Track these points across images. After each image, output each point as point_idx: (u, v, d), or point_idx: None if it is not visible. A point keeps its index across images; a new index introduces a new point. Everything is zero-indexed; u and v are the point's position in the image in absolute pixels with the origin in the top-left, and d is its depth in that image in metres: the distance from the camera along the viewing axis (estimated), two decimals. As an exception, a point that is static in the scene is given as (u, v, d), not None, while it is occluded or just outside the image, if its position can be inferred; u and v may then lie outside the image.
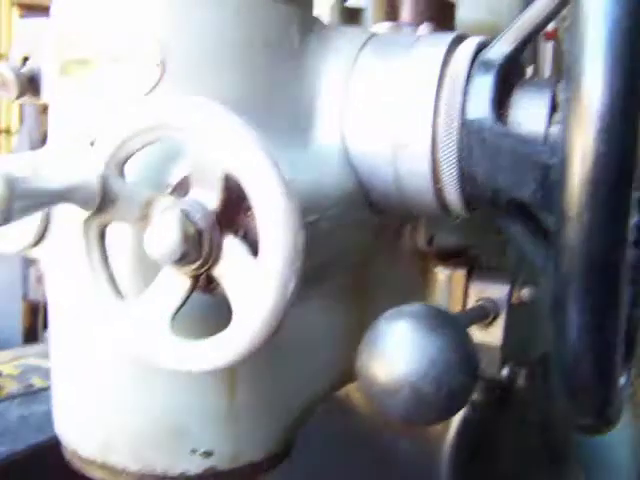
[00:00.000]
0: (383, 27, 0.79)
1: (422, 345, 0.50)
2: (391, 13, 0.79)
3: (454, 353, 0.50)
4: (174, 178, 0.52)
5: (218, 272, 0.50)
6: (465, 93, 0.59)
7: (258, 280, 0.48)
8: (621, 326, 0.48)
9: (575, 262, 0.46)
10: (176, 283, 0.50)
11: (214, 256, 0.50)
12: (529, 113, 0.60)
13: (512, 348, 0.83)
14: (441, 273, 0.83)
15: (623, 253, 0.45)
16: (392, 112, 0.61)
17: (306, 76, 0.61)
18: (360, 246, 0.70)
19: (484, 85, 0.59)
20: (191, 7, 0.56)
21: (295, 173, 0.57)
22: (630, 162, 0.43)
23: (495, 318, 0.82)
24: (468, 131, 0.59)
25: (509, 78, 0.61)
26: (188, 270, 0.50)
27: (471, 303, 0.82)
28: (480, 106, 0.59)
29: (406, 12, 0.77)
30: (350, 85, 0.62)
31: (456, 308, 0.82)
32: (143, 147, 0.50)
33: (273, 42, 0.58)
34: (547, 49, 1.00)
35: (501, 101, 0.60)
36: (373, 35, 0.65)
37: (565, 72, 0.45)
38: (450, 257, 0.82)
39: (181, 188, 0.51)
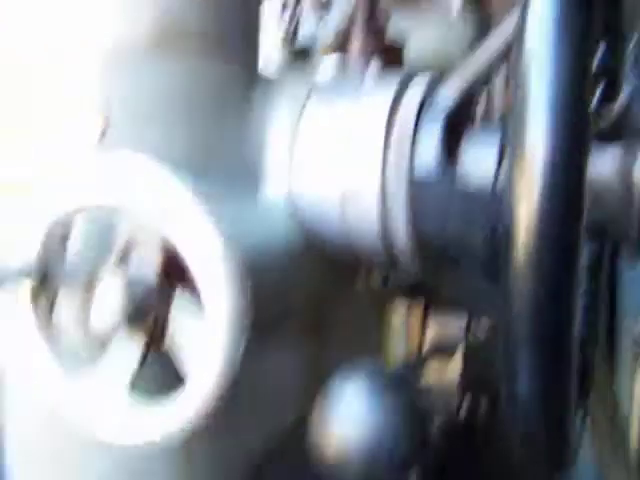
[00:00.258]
0: (330, 60, 0.78)
1: (372, 415, 0.49)
2: (339, 46, 0.78)
3: (404, 422, 0.49)
4: (117, 243, 0.51)
5: (169, 332, 0.50)
6: (414, 141, 0.59)
7: (205, 342, 0.48)
8: (572, 373, 0.48)
9: (523, 327, 0.45)
10: (130, 348, 0.50)
11: (162, 318, 0.49)
12: (478, 161, 0.59)
13: (472, 381, 0.83)
14: (398, 309, 0.82)
15: (572, 314, 0.45)
16: (340, 161, 0.60)
17: (252, 131, 0.60)
18: (311, 292, 0.69)
19: (432, 133, 0.59)
20: (134, 65, 0.55)
21: (241, 228, 0.56)
22: (574, 219, 0.43)
23: (453, 353, 0.81)
24: (417, 181, 0.58)
25: (459, 122, 0.60)
26: (140, 333, 0.49)
27: (429, 338, 0.81)
28: (429, 155, 0.58)
29: (355, 45, 0.76)
30: (297, 136, 0.61)
31: (414, 344, 0.82)
32: (82, 218, 0.49)
33: (217, 100, 0.57)
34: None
35: (451, 147, 0.59)
36: (319, 82, 0.64)
37: (508, 123, 0.45)
38: (406, 293, 0.81)
39: (123, 253, 0.50)
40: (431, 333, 0.81)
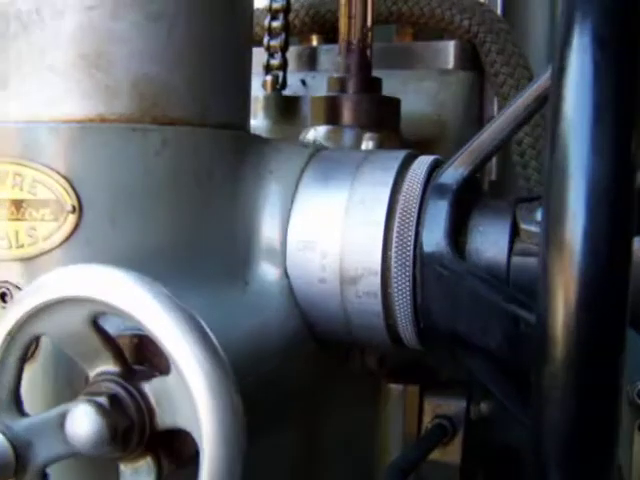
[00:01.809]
0: (322, 131, 0.73)
1: None
2: (331, 115, 0.73)
3: None
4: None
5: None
6: (418, 222, 0.54)
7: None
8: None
9: (556, 442, 0.40)
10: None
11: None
12: (488, 240, 0.54)
13: (474, 463, 0.78)
14: (394, 389, 0.76)
15: (612, 431, 0.40)
16: (338, 245, 0.55)
17: (242, 209, 0.55)
18: (306, 376, 0.63)
19: (439, 213, 0.54)
20: (104, 143, 0.49)
21: (232, 319, 0.51)
22: (616, 335, 0.38)
23: (453, 436, 0.76)
24: (423, 264, 0.53)
25: (466, 200, 0.56)
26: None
27: (427, 419, 0.76)
28: (435, 236, 0.53)
29: (347, 114, 0.72)
30: (292, 215, 0.56)
31: (411, 425, 0.76)
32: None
33: (203, 176, 0.52)
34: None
35: (458, 227, 0.54)
36: (315, 153, 0.59)
37: (543, 228, 0.40)
38: (403, 373, 0.76)
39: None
40: (429, 415, 0.76)
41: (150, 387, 0.43)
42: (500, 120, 0.54)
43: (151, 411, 0.44)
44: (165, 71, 0.50)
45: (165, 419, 0.43)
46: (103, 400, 0.42)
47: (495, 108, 0.95)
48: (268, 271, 0.56)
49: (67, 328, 0.43)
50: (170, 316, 0.41)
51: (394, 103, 0.74)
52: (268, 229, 0.56)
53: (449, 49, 0.89)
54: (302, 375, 0.62)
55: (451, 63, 0.89)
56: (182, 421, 0.42)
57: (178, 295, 0.48)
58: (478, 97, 0.92)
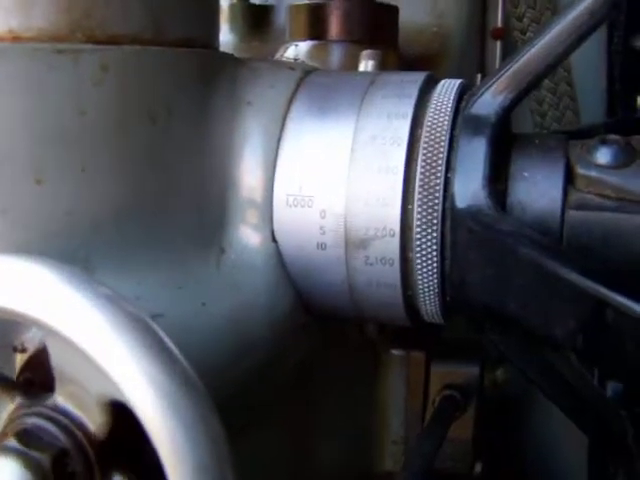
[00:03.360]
0: (305, 47, 0.59)
1: None
2: (315, 27, 0.59)
3: None
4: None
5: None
6: (448, 167, 0.41)
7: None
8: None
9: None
10: None
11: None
12: (536, 190, 0.42)
13: (488, 437, 0.67)
14: (396, 356, 0.65)
15: None
16: (342, 198, 0.42)
17: (213, 154, 0.41)
18: (299, 353, 0.51)
19: (475, 153, 0.41)
20: (18, 71, 0.36)
21: (206, 301, 0.38)
22: None
23: (465, 408, 0.64)
24: (454, 222, 0.41)
25: (505, 138, 0.43)
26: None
27: (434, 392, 0.64)
28: (471, 184, 0.41)
29: (336, 26, 0.58)
30: (279, 161, 0.42)
31: (416, 398, 0.65)
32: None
33: (159, 112, 0.38)
34: (496, 51, 0.82)
35: (498, 172, 0.42)
36: (304, 78, 0.45)
37: None
38: (406, 337, 0.64)
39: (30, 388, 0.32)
40: (436, 386, 0.64)
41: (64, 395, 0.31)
42: (554, 31, 0.40)
43: (81, 423, 0.31)
44: (101, -34, 0.36)
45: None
46: (13, 443, 0.29)
47: (499, 18, 0.81)
48: (250, 235, 0.42)
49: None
50: (107, 325, 0.28)
51: (392, 12, 0.60)
52: (248, 180, 0.42)
53: (449, -54, 0.74)
54: (294, 354, 0.49)
55: (451, -36, 0.74)
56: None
57: (131, 276, 0.35)
58: (481, 4, 0.79)
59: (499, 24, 0.81)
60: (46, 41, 0.35)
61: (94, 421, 0.32)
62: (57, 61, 0.35)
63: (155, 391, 0.27)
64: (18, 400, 0.34)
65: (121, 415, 0.31)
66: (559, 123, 0.71)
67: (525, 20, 0.75)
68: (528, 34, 0.76)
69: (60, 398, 0.33)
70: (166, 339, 0.30)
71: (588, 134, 0.44)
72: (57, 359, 0.32)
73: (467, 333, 0.65)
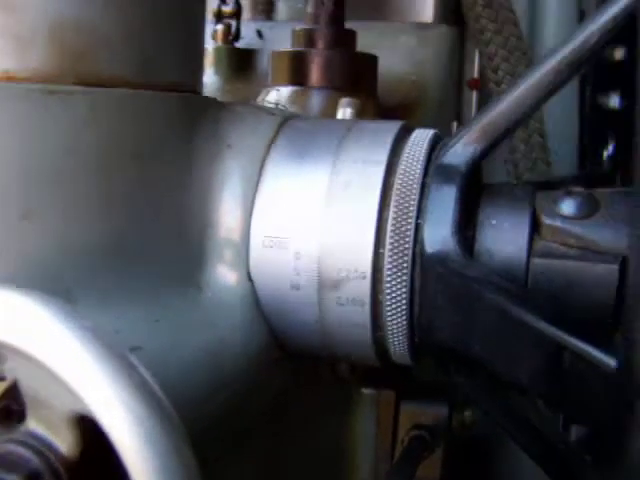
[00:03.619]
0: (286, 92, 0.61)
1: None
2: (297, 73, 0.61)
3: None
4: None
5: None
6: (419, 213, 0.43)
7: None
8: None
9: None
10: None
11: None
12: (503, 237, 0.43)
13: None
14: (366, 395, 0.66)
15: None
16: (317, 241, 0.43)
17: (194, 195, 0.43)
18: (271, 390, 0.52)
19: (445, 201, 0.43)
20: (12, 110, 0.37)
21: (183, 337, 0.39)
22: None
23: (433, 448, 0.66)
24: (424, 266, 0.42)
25: (474, 187, 0.45)
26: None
27: (403, 431, 0.66)
28: (441, 231, 0.42)
29: (316, 73, 0.60)
30: (256, 202, 0.44)
31: (385, 437, 0.66)
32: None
33: (144, 153, 0.40)
34: (471, 101, 0.85)
35: (466, 220, 0.44)
36: (284, 123, 0.47)
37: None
38: (378, 374, 0.65)
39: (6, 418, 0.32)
40: (405, 426, 0.65)
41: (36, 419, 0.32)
42: (523, 87, 0.42)
43: (51, 445, 0.32)
44: (93, 14, 0.38)
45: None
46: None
47: (476, 69, 0.84)
48: (226, 274, 0.44)
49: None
50: (87, 355, 0.29)
51: (371, 61, 0.62)
52: (226, 220, 0.44)
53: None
54: (267, 389, 0.50)
55: (430, 15, 0.77)
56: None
57: (111, 310, 0.36)
58: (458, 56, 0.82)
59: (475, 75, 0.84)
60: (39, 82, 0.37)
61: (65, 442, 0.33)
62: (50, 101, 0.37)
63: (132, 420, 0.28)
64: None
65: (92, 435, 0.32)
66: (531, 172, 0.73)
67: (500, 72, 0.78)
68: (503, 85, 0.79)
69: (32, 422, 0.34)
70: (143, 371, 0.31)
71: (555, 186, 0.46)
72: (29, 385, 0.34)
73: (436, 374, 0.67)
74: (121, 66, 0.39)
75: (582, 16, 0.96)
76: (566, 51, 0.42)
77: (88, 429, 0.32)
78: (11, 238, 0.37)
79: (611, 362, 0.34)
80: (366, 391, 0.66)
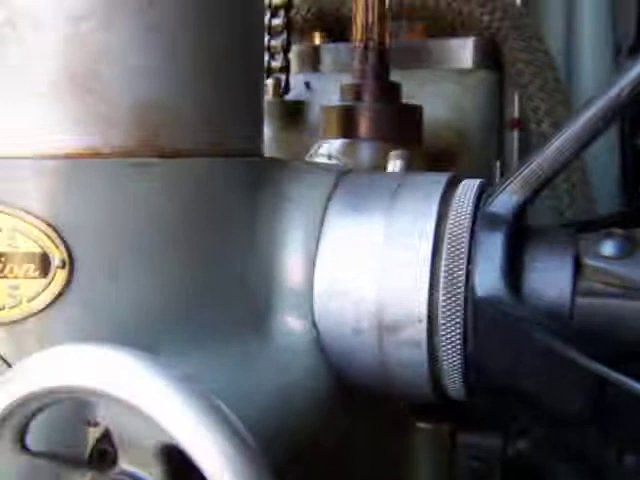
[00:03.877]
0: (337, 145, 0.65)
1: None
2: (347, 127, 0.65)
3: None
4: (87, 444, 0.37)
5: None
6: (469, 259, 0.46)
7: None
8: None
9: None
10: None
11: None
12: (548, 279, 0.46)
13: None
14: (424, 429, 0.69)
15: None
16: (375, 287, 0.47)
17: (259, 249, 0.47)
18: (337, 427, 0.55)
19: (493, 248, 0.46)
20: (98, 182, 0.41)
21: (255, 383, 0.43)
22: None
23: (489, 478, 0.68)
24: (475, 309, 0.46)
25: (519, 231, 0.48)
26: None
27: (460, 462, 0.68)
28: (490, 275, 0.46)
29: (365, 126, 0.64)
30: (319, 254, 0.48)
31: (441, 470, 0.68)
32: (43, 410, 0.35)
33: (216, 214, 0.44)
34: (513, 140, 0.88)
35: (511, 265, 0.47)
36: (341, 178, 0.51)
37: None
38: (434, 409, 0.68)
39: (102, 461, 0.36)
40: (462, 456, 0.68)
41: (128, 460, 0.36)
42: (564, 137, 0.46)
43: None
44: (169, 93, 0.42)
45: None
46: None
47: (516, 109, 0.87)
48: (292, 322, 0.48)
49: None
50: (185, 407, 0.33)
51: (417, 112, 0.66)
52: (291, 271, 0.48)
53: (467, 46, 0.81)
54: (332, 430, 0.54)
55: (470, 62, 0.81)
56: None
57: (191, 360, 0.40)
58: (498, 98, 0.85)
59: (515, 115, 0.87)
60: (122, 156, 0.41)
61: (156, 476, 0.37)
62: (131, 173, 0.41)
63: (225, 460, 0.32)
64: (89, 476, 0.39)
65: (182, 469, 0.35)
66: (572, 210, 0.76)
67: (540, 112, 0.81)
68: (543, 125, 0.82)
69: (124, 463, 0.38)
70: (227, 410, 0.35)
71: (597, 225, 0.49)
72: (120, 429, 0.37)
73: (491, 408, 0.70)
74: (194, 138, 0.43)
75: (619, 51, 0.99)
76: (607, 98, 0.45)
77: (177, 463, 0.36)
78: (100, 301, 0.41)
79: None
80: (423, 425, 0.68)
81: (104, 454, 0.41)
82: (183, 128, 0.42)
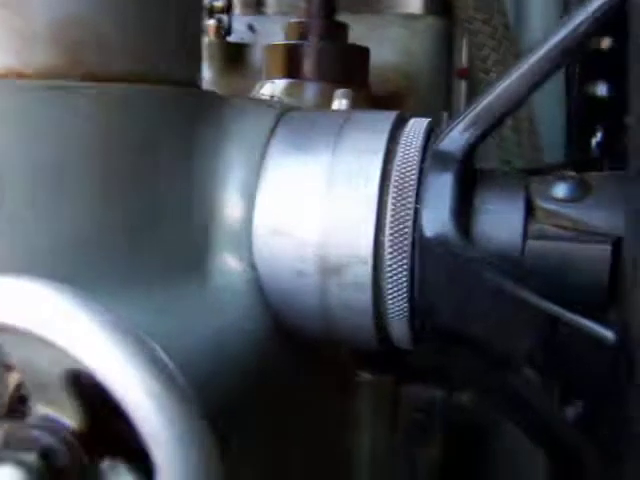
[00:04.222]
0: (281, 85, 0.62)
1: None
2: (291, 67, 0.62)
3: None
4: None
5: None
6: (417, 199, 0.44)
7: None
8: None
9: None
10: None
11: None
12: (499, 221, 0.45)
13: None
14: (366, 380, 0.67)
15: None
16: (318, 227, 0.44)
17: (196, 185, 0.44)
18: (274, 374, 0.53)
19: (442, 187, 0.44)
20: (19, 105, 0.38)
21: (189, 325, 0.40)
22: None
23: (432, 432, 0.67)
24: (423, 251, 0.43)
25: (469, 173, 0.46)
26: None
27: (403, 415, 0.67)
28: (439, 215, 0.43)
29: (310, 66, 0.61)
30: (259, 192, 0.45)
31: (384, 421, 0.67)
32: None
33: (146, 145, 0.41)
34: (460, 90, 0.87)
35: (461, 206, 0.45)
36: (283, 114, 0.48)
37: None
38: (376, 360, 0.67)
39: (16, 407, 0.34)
40: (405, 409, 0.67)
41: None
42: (515, 75, 0.44)
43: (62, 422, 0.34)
44: (94, 12, 0.39)
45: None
46: (33, 459, 0.31)
47: (464, 59, 0.85)
48: (230, 262, 0.45)
49: None
50: (109, 341, 0.30)
51: (364, 53, 0.64)
52: (229, 210, 0.45)
53: (417, -8, 0.78)
54: (270, 374, 0.51)
55: (419, 7, 0.78)
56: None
57: (117, 297, 0.37)
58: (447, 46, 0.83)
59: (464, 64, 0.85)
60: (44, 78, 0.38)
61: (74, 418, 0.34)
62: (55, 97, 0.38)
63: (146, 390, 0.30)
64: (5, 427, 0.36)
65: (102, 404, 0.33)
66: (520, 159, 0.75)
67: (489, 61, 0.79)
68: (491, 74, 0.80)
69: (39, 407, 0.35)
70: (154, 345, 0.32)
71: (546, 172, 0.48)
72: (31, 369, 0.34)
73: (434, 360, 0.68)
74: (120, 62, 0.40)
75: (566, 6, 0.97)
76: (556, 39, 0.43)
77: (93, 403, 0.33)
78: (21, 230, 0.38)
79: (608, 335, 0.35)
80: (365, 376, 0.67)
81: (24, 401, 0.38)
82: (107, 50, 0.39)
